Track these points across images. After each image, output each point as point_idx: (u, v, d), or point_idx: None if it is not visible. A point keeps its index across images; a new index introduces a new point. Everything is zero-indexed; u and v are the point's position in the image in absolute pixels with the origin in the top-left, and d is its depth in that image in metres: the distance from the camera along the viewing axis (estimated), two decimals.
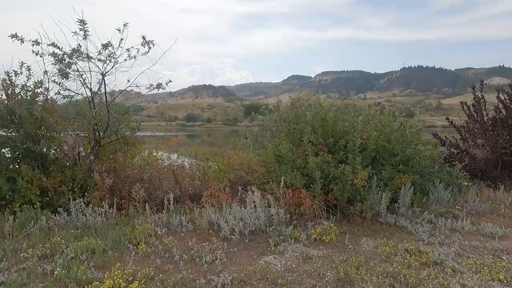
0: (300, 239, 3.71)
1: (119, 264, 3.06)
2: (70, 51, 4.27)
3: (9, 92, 5.06)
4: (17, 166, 4.98)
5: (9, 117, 5.02)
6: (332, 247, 3.60)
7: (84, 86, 4.90)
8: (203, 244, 3.64)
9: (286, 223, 4.00)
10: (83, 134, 5.12)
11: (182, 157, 6.70)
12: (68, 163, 5.09)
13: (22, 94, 5.23)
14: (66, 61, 4.26)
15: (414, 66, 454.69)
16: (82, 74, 4.90)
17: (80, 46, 4.26)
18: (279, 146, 5.43)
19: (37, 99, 5.39)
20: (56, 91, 4.98)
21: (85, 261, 3.14)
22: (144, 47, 4.30)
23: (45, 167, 5.12)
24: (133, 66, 4.91)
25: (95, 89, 4.97)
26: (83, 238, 3.72)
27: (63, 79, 4.50)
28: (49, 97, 5.47)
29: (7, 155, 4.97)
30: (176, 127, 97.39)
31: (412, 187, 4.67)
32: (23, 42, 4.11)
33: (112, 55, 4.39)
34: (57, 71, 4.44)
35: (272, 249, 3.51)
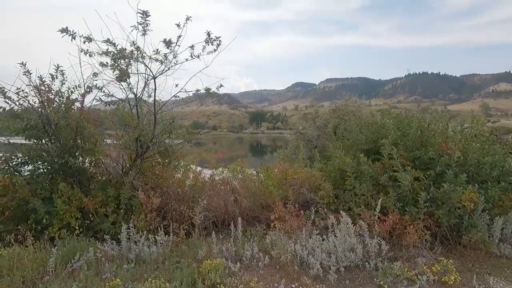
0: (413, 279, 2.96)
1: None
2: (129, 50, 3.63)
3: (45, 98, 4.46)
4: (48, 184, 4.34)
5: (43, 127, 4.40)
6: None
7: (130, 90, 4.26)
8: (292, 286, 2.92)
9: (387, 256, 3.26)
10: (126, 146, 4.46)
11: (221, 170, 6.03)
12: (111, 180, 4.42)
13: (57, 101, 4.63)
14: (124, 62, 3.61)
15: (419, 73, 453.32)
16: (126, 78, 4.27)
17: (134, 44, 3.61)
18: (352, 160, 4.73)
19: (72, 106, 4.80)
20: (97, 97, 4.34)
21: None
22: (208, 44, 3.67)
23: (82, 185, 4.47)
24: (182, 68, 4.27)
25: (142, 94, 4.33)
26: (142, 276, 3.02)
27: (119, 82, 3.86)
28: (85, 104, 4.87)
29: (41, 171, 4.33)
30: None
31: None
32: (74, 38, 3.50)
33: (171, 53, 3.73)
34: (111, 73, 3.78)
35: None
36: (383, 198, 3.82)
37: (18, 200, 3.83)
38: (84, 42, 3.54)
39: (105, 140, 4.76)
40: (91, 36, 3.51)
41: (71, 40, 3.48)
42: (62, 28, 3.40)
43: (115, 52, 3.57)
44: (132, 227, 3.80)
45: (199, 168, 5.60)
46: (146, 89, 4.22)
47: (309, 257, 3.18)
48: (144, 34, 3.54)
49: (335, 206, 4.41)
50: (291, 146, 8.34)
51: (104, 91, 4.16)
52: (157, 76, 4.01)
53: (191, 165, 5.44)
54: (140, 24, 3.46)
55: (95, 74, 3.94)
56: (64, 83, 4.79)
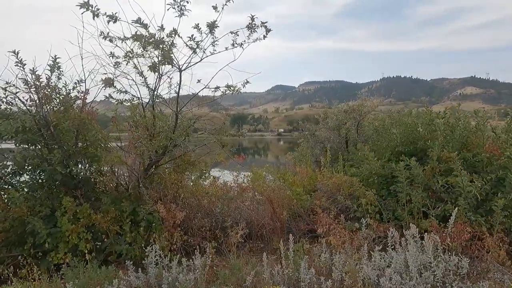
0: None
1: None
2: (166, 33, 2.96)
3: (40, 96, 3.71)
4: (48, 199, 3.59)
5: (38, 130, 3.65)
6: None
7: (146, 86, 3.63)
8: None
9: (467, 275, 2.86)
10: (142, 152, 3.80)
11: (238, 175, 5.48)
12: (125, 192, 3.74)
13: (55, 98, 3.89)
14: (165, 48, 2.94)
15: (393, 77, 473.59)
16: (142, 72, 3.64)
17: (162, 28, 2.96)
18: (386, 164, 4.35)
19: (73, 104, 4.07)
20: (105, 94, 3.65)
21: None
22: (251, 32, 3.10)
23: (88, 199, 3.76)
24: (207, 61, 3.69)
25: (158, 91, 3.71)
26: None
27: (156, 72, 3.18)
28: (88, 101, 4.16)
29: (39, 182, 3.57)
30: None
31: None
32: (97, 16, 2.81)
33: (208, 40, 3.12)
34: (149, 61, 3.11)
35: None
36: (442, 207, 3.45)
37: (12, 221, 3.08)
38: (108, 22, 2.87)
39: (114, 144, 4.06)
40: (116, 15, 2.84)
41: (93, 18, 2.80)
42: (84, 2, 2.71)
43: (147, 35, 2.91)
44: (156, 248, 3.17)
45: (217, 174, 5.01)
46: (167, 84, 3.60)
47: (381, 279, 2.71)
48: (181, 15, 2.91)
49: (379, 215, 4.00)
50: (301, 149, 7.91)
51: (116, 86, 3.48)
52: (184, 69, 3.40)
53: (209, 172, 4.83)
54: (177, 3, 2.84)
55: (116, 64, 3.25)
56: (61, 78, 4.07)
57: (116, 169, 4.06)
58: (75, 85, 3.99)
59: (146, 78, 3.68)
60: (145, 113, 4.00)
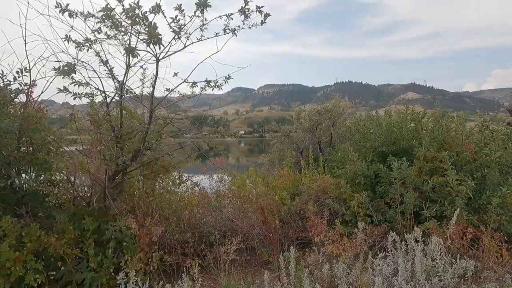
0: None
1: None
2: (149, 8, 2.35)
3: None
4: None
5: None
6: None
7: (112, 78, 3.02)
8: None
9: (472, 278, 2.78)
10: (106, 157, 3.15)
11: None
12: (88, 206, 3.06)
13: None
14: (150, 24, 2.31)
15: (345, 81, 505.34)
16: (107, 60, 3.02)
17: (139, 6, 2.38)
18: (370, 165, 4.26)
19: (14, 99, 3.27)
20: (59, 85, 2.94)
21: None
22: (245, 17, 2.66)
23: (36, 216, 3.00)
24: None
25: (126, 82, 3.12)
26: None
27: (133, 56, 2.54)
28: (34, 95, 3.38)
29: None
30: None
31: None
32: None
33: (191, 25, 2.60)
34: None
35: None
36: (436, 207, 3.41)
37: None
38: None
39: (70, 148, 3.35)
40: None
41: None
42: None
43: (127, 8, 2.29)
44: (131, 274, 2.60)
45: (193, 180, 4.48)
46: (139, 77, 3.04)
47: None
48: None
49: (369, 218, 3.87)
50: (275, 150, 7.67)
51: (73, 78, 2.82)
52: (162, 58, 2.87)
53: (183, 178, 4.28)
54: None
55: (79, 46, 2.56)
56: None
57: (72, 179, 3.35)
58: (16, 75, 3.20)
59: (112, 68, 3.07)
60: (109, 111, 3.36)
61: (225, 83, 3.78)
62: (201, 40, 2.72)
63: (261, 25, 2.67)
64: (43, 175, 3.17)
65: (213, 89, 3.71)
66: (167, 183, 4.12)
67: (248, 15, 2.65)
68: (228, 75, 3.68)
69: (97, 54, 3.02)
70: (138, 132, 3.18)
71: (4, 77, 3.31)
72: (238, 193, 3.83)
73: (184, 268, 3.05)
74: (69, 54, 2.96)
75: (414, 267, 2.78)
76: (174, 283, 2.66)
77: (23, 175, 3.08)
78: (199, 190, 4.30)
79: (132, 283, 2.46)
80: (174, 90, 3.53)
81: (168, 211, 3.53)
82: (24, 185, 3.01)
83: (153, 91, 3.06)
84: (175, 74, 3.39)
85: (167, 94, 3.33)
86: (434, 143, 4.03)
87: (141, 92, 3.27)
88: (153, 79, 2.94)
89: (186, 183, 3.66)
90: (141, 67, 2.95)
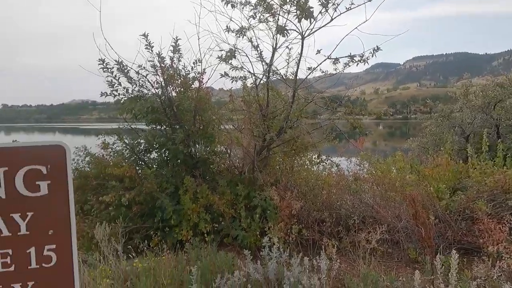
0: None
1: None
2: None
3: (165, 77, 3.87)
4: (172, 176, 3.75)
5: (163, 110, 3.83)
6: None
7: (261, 60, 3.29)
8: None
9: None
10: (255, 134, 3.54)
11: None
12: (240, 175, 3.61)
13: (176, 80, 4.01)
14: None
15: None
16: (257, 45, 3.29)
17: None
18: None
19: (192, 85, 4.14)
20: (220, 72, 3.49)
21: None
22: None
23: (204, 179, 3.78)
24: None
25: (272, 63, 3.31)
26: None
27: (283, 35, 2.87)
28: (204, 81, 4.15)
29: (164, 160, 3.78)
30: None
31: None
32: None
33: None
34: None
35: None
36: None
37: (145, 195, 3.31)
38: None
39: (227, 125, 3.97)
40: None
41: None
42: None
43: None
44: (274, 240, 2.87)
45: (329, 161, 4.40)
46: (286, 57, 3.16)
47: None
48: None
49: None
50: (428, 134, 6.44)
51: (232, 63, 3.26)
52: (306, 36, 2.88)
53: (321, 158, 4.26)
54: None
55: (240, 32, 2.99)
56: (180, 60, 4.16)
57: (229, 151, 3.96)
58: (193, 66, 4.02)
59: (262, 51, 3.33)
60: (258, 92, 3.72)
61: (372, 55, 3.43)
62: (351, 8, 2.50)
63: None
64: (209, 147, 3.92)
65: (357, 64, 3.44)
66: (304, 161, 4.25)
67: None
68: (377, 46, 3.29)
69: (250, 40, 3.35)
70: (283, 111, 3.37)
71: (185, 69, 4.23)
72: (381, 179, 3.47)
73: (321, 246, 3.10)
74: (228, 43, 3.44)
75: None
76: (311, 257, 2.76)
77: (197, 145, 3.91)
78: (336, 171, 4.21)
79: (275, 247, 2.72)
80: (316, 68, 3.49)
81: (306, 188, 3.64)
82: (197, 154, 3.82)
83: (297, 70, 3.14)
84: (318, 52, 3.33)
85: (309, 74, 3.34)
86: None
87: (285, 73, 3.42)
88: (298, 57, 2.99)
89: (325, 163, 3.64)
90: (287, 47, 3.06)
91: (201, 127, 4.00)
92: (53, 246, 0.86)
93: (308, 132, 3.44)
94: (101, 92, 3.59)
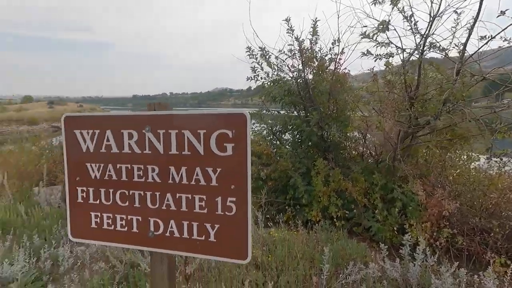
0: None
1: None
2: None
3: (303, 60, 3.93)
4: (305, 158, 3.84)
5: (298, 93, 3.92)
6: None
7: (415, 33, 2.80)
8: None
9: None
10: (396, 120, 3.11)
11: None
12: (375, 163, 3.33)
13: (313, 62, 4.01)
14: None
15: None
16: (411, 15, 2.79)
17: None
18: None
19: (329, 67, 4.03)
20: (362, 50, 3.20)
21: None
22: None
23: (336, 163, 3.68)
24: None
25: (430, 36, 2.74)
26: None
27: None
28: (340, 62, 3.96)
29: (297, 142, 3.93)
30: None
31: None
32: None
33: None
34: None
35: None
36: None
37: (280, 172, 3.55)
38: None
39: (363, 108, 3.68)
40: None
41: None
42: None
43: None
44: (414, 237, 2.51)
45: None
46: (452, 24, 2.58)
47: None
48: None
49: None
50: None
51: (377, 39, 2.92)
52: None
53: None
54: None
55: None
56: (317, 42, 4.10)
57: (364, 136, 3.68)
58: (331, 46, 3.89)
59: (417, 21, 2.84)
60: (406, 70, 3.23)
61: None
62: None
63: None
64: (342, 131, 3.77)
65: None
66: (460, 155, 3.45)
67: None
68: None
69: (401, 10, 2.92)
70: (439, 92, 2.81)
71: (321, 50, 4.15)
72: None
73: (482, 261, 2.50)
74: (373, 17, 3.11)
75: None
76: (468, 271, 2.25)
77: (331, 129, 3.83)
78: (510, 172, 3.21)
79: (419, 248, 2.37)
80: (495, 37, 2.69)
81: (463, 188, 2.96)
82: (330, 137, 3.74)
83: (467, 39, 2.50)
84: (502, 13, 2.54)
85: (485, 43, 2.59)
86: None
87: (448, 46, 2.80)
88: (471, 23, 2.36)
89: (500, 159, 2.81)
90: (455, 11, 2.46)
91: (335, 110, 3.89)
92: (234, 199, 1.02)
93: (477, 119, 2.72)
94: (247, 77, 4.00)
